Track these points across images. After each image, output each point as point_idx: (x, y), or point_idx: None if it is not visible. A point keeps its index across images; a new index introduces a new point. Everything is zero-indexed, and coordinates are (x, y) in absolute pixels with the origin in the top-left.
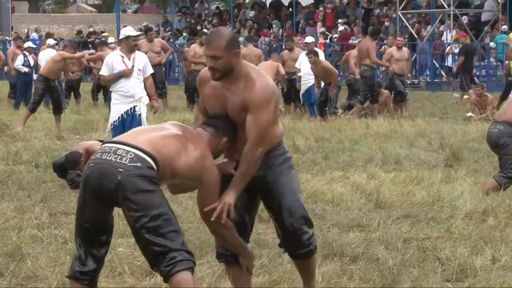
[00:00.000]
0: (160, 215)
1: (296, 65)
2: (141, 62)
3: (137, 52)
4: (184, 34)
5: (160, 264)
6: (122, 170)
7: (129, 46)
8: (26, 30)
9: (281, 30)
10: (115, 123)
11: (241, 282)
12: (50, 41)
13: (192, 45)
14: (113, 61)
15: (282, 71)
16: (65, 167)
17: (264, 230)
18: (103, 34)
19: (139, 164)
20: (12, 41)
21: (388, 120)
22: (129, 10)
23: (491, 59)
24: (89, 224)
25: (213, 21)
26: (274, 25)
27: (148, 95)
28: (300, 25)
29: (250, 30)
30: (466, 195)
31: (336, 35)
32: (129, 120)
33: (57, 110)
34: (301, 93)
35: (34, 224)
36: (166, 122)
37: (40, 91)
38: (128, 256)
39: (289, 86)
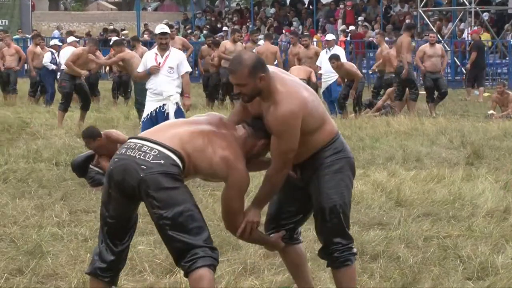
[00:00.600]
0: (183, 212)
1: (317, 63)
2: (175, 60)
3: (173, 49)
4: (205, 32)
5: (182, 260)
6: (145, 167)
7: (157, 43)
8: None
9: (301, 27)
10: (144, 119)
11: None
12: (70, 39)
13: (223, 41)
14: (147, 58)
15: (314, 78)
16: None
17: None
18: (123, 32)
19: (162, 161)
20: (32, 39)
21: (409, 118)
22: (149, 8)
23: None
24: (113, 220)
25: (233, 18)
26: (294, 23)
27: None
28: (320, 23)
29: (270, 28)
30: (487, 193)
31: (354, 29)
32: (159, 118)
33: (86, 106)
34: (321, 90)
35: (54, 222)
36: (206, 113)
37: (66, 89)
38: (148, 254)
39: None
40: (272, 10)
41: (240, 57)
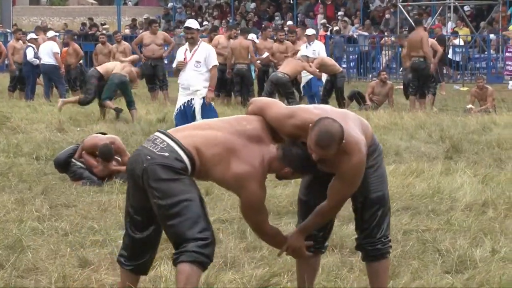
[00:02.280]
0: (179, 203)
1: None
2: (203, 54)
3: (202, 44)
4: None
5: (175, 250)
6: (149, 157)
7: (186, 38)
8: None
9: (282, 22)
10: (175, 114)
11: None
12: (51, 33)
13: (217, 36)
14: (178, 53)
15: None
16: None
17: None
18: (104, 27)
19: (166, 154)
20: (12, 34)
21: (388, 112)
22: (129, 2)
23: (491, 51)
24: (132, 209)
25: (213, 13)
26: (276, 17)
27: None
28: (299, 18)
29: (248, 23)
30: (466, 187)
31: (337, 28)
32: (187, 113)
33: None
34: (301, 85)
35: (34, 216)
36: (241, 116)
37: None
38: None
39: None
40: (253, 5)
41: (329, 132)
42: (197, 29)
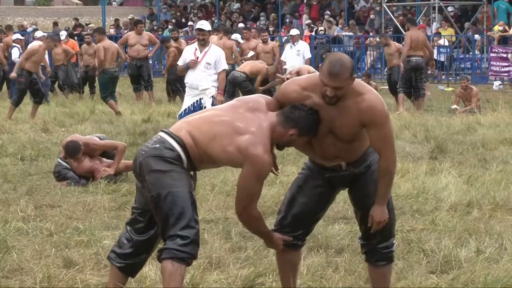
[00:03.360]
0: (166, 196)
1: (282, 57)
2: (213, 56)
3: (213, 46)
4: (170, 27)
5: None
6: (143, 152)
7: (196, 38)
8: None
9: (266, 22)
10: (181, 114)
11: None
12: (39, 34)
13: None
14: (187, 52)
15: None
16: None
17: None
18: (89, 26)
19: (157, 146)
20: None
21: None
22: (114, 3)
23: (476, 52)
24: (136, 210)
25: (198, 13)
26: (262, 18)
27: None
28: (286, 18)
29: (233, 23)
30: (450, 187)
31: (322, 28)
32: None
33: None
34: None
35: (19, 216)
36: (235, 99)
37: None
38: None
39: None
40: (237, 5)
41: (341, 60)
42: (209, 31)
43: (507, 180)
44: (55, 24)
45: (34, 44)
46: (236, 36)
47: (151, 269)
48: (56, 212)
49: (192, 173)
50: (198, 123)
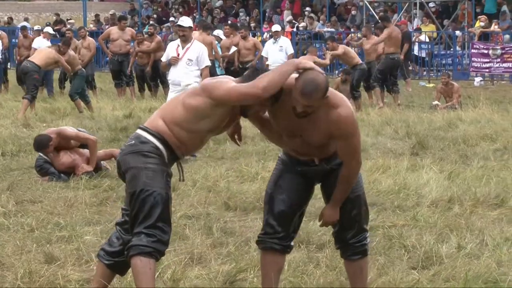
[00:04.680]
0: (139, 194)
1: (263, 53)
2: (195, 52)
3: (195, 42)
4: (151, 22)
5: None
6: (121, 150)
7: (178, 35)
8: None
9: (248, 18)
10: None
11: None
12: (49, 29)
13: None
14: (169, 48)
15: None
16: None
17: (231, 218)
18: (70, 21)
19: (132, 142)
20: None
21: (354, 109)
22: None
23: (457, 48)
24: (125, 211)
25: (180, 9)
26: (241, 13)
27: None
28: (267, 14)
29: (214, 19)
30: (432, 183)
31: (303, 24)
32: None
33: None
34: None
35: (0, 212)
36: None
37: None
38: (95, 244)
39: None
40: (219, 2)
41: (315, 81)
42: (190, 27)
43: (488, 176)
44: (26, 20)
45: (47, 50)
46: (218, 32)
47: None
48: (37, 208)
49: (177, 164)
50: (167, 105)
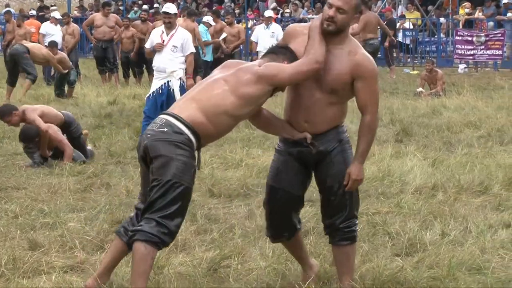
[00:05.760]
0: (164, 184)
1: (253, 38)
2: (180, 39)
3: (180, 29)
4: (135, 8)
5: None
6: (149, 135)
7: (162, 21)
8: None
9: (233, 4)
10: (149, 96)
11: (298, 252)
12: (56, 14)
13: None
14: (154, 35)
15: None
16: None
17: (215, 205)
18: (52, 8)
19: (165, 129)
20: None
21: None
22: None
23: (441, 35)
24: (142, 191)
25: None
26: (226, 0)
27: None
28: (251, 0)
29: (198, 6)
30: (416, 170)
31: (288, 11)
32: (164, 95)
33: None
34: None
35: None
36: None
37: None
38: (79, 231)
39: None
40: None
41: None
42: (175, 14)
43: (472, 163)
44: (7, 6)
45: (41, 46)
46: (208, 18)
47: None
48: (21, 194)
49: (197, 152)
50: (200, 94)
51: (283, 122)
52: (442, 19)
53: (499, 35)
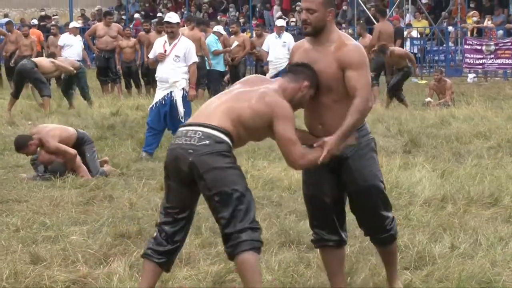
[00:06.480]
0: (232, 194)
1: (264, 48)
2: (182, 49)
3: (183, 38)
4: (137, 15)
5: (226, 243)
6: (192, 151)
7: (166, 32)
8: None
9: (237, 13)
10: (152, 107)
11: (334, 266)
12: (73, 24)
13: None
14: (156, 45)
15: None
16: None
17: None
18: (54, 17)
19: (207, 142)
20: None
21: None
22: None
23: (450, 44)
24: (173, 210)
25: (168, 4)
26: (230, 9)
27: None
28: (257, 9)
29: (204, 14)
30: (424, 182)
31: (293, 20)
32: (167, 106)
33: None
34: (267, 75)
35: None
36: (240, 80)
37: None
38: (82, 244)
39: (262, 71)
40: None
41: None
42: (177, 23)
43: (482, 175)
44: (6, 16)
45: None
46: (218, 28)
47: (119, 265)
48: (23, 207)
49: None
50: (227, 103)
51: (304, 131)
52: (450, 28)
53: (509, 43)
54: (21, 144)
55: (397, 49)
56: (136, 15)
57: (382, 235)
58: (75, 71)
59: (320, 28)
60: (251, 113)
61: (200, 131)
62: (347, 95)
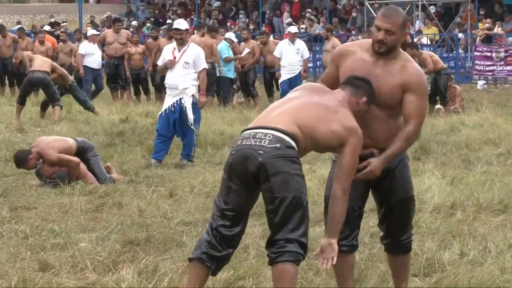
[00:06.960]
0: (292, 201)
1: (277, 54)
2: (192, 55)
3: (192, 45)
4: (148, 24)
5: (271, 248)
6: (262, 152)
7: (175, 38)
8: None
9: (247, 20)
10: (161, 114)
11: (345, 271)
12: (91, 32)
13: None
14: (165, 52)
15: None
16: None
17: None
18: (63, 24)
19: (278, 145)
20: None
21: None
22: (91, 0)
23: (460, 50)
24: (230, 212)
25: (177, 11)
26: (241, 15)
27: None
28: (267, 16)
29: (213, 21)
30: (434, 189)
31: (303, 26)
32: (177, 113)
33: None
34: (280, 81)
35: None
36: (300, 87)
37: None
38: (90, 251)
39: (270, 78)
40: (217, 3)
41: (396, 8)
42: (186, 30)
43: (491, 182)
44: (18, 23)
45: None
46: (230, 34)
47: (128, 272)
48: (32, 214)
49: None
50: (297, 111)
51: None
52: (460, 35)
53: None
54: (21, 160)
55: (417, 52)
56: (134, 23)
57: (406, 241)
58: (69, 82)
59: (392, 49)
60: (327, 132)
61: (270, 134)
62: (400, 113)
